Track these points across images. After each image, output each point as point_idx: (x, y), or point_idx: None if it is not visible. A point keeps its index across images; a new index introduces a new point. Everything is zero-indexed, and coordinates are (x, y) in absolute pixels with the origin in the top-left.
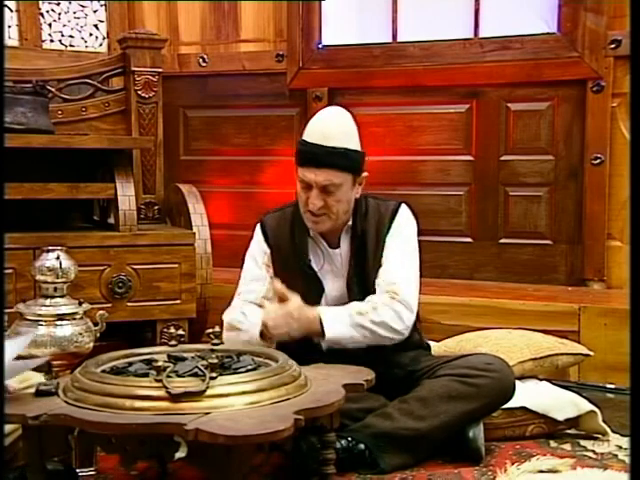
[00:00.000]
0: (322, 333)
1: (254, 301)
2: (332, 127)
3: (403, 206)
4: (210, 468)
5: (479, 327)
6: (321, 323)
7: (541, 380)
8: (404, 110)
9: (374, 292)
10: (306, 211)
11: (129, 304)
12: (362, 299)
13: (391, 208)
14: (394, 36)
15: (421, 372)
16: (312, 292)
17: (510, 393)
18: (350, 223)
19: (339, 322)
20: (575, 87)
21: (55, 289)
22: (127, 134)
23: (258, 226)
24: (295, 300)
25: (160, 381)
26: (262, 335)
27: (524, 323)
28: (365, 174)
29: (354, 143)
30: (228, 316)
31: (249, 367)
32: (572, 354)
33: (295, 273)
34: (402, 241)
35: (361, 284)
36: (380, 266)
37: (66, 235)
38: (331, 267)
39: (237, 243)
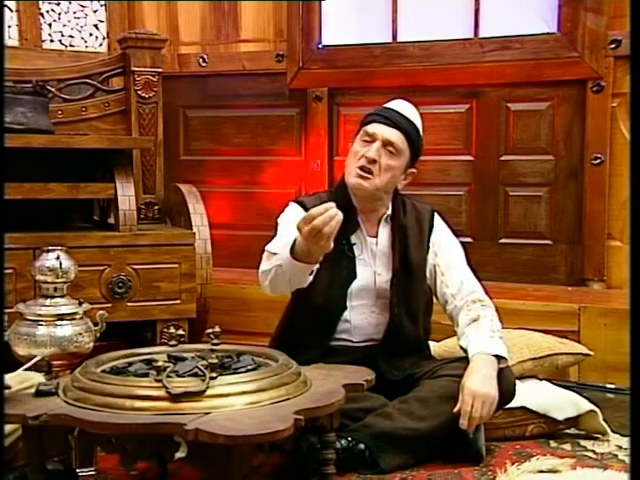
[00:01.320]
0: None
1: None
2: (411, 108)
3: (436, 213)
4: (210, 468)
5: None
6: (496, 357)
7: (541, 380)
8: None
9: (415, 287)
10: (355, 167)
11: (129, 304)
12: (406, 293)
13: (427, 209)
14: (394, 36)
15: (421, 373)
16: (343, 277)
17: (510, 394)
18: (389, 213)
19: (497, 346)
20: (575, 87)
21: (55, 289)
22: (127, 134)
23: (294, 204)
24: (471, 379)
25: (160, 381)
26: (292, 252)
27: (524, 323)
28: (414, 170)
29: (421, 131)
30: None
31: (249, 367)
32: (572, 354)
33: (331, 254)
34: (455, 246)
35: (406, 277)
36: (424, 267)
37: (66, 235)
38: (363, 255)
39: (237, 243)
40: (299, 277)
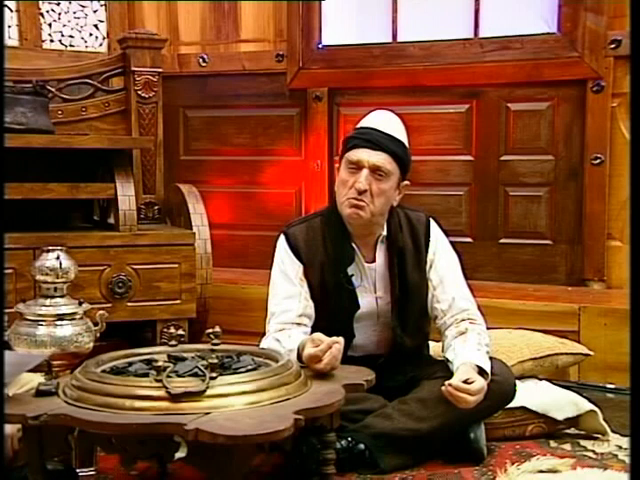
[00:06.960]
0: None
1: (290, 321)
2: (392, 120)
3: (431, 220)
4: (210, 468)
5: None
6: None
7: (541, 380)
8: (404, 110)
9: (415, 307)
10: (347, 198)
11: (129, 304)
12: (406, 314)
13: (422, 220)
14: (394, 36)
15: (421, 374)
16: (346, 309)
17: (510, 396)
18: (385, 233)
19: (482, 359)
20: (575, 87)
21: (55, 289)
22: (127, 134)
23: (282, 240)
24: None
25: (160, 381)
26: (299, 358)
27: (524, 323)
28: (407, 182)
29: (407, 142)
30: (263, 345)
31: (249, 367)
32: (572, 354)
33: (330, 287)
34: (449, 259)
35: (406, 299)
36: (424, 286)
37: (66, 235)
38: (363, 283)
39: (237, 243)
40: None
